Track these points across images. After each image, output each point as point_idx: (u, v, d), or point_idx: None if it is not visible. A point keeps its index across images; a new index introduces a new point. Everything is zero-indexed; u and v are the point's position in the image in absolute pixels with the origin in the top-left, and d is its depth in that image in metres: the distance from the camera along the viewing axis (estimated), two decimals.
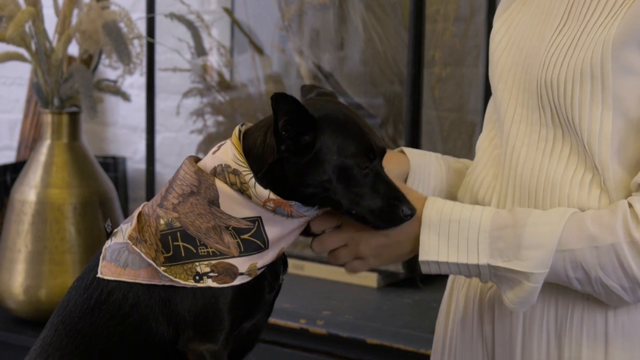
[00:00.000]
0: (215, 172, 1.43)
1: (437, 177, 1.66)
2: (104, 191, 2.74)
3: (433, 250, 1.43)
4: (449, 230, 1.42)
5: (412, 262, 1.46)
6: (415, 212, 1.43)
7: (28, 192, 2.67)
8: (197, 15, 3.23)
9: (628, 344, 1.45)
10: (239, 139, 1.45)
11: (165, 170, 3.76)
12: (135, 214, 1.47)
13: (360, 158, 1.43)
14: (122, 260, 1.45)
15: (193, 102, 3.51)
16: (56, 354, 1.47)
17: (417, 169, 1.64)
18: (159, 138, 3.63)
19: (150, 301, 1.44)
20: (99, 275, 1.45)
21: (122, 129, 4.03)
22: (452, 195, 1.67)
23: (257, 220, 1.42)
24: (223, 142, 1.47)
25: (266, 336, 2.61)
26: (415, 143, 2.77)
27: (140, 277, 1.43)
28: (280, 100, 1.38)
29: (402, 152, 1.66)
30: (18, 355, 1.65)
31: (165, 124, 3.80)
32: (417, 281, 2.85)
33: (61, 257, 2.64)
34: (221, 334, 1.43)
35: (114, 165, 3.91)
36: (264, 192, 1.41)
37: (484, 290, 1.57)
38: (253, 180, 1.41)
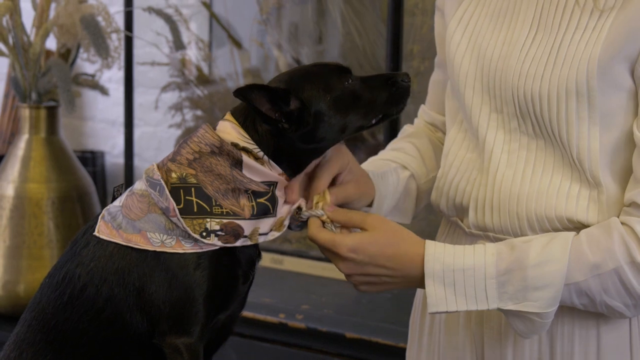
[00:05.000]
0: None
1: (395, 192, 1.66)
2: (82, 186, 2.73)
3: (441, 302, 1.42)
4: (454, 279, 1.41)
5: None
6: (407, 75, 1.53)
7: (6, 186, 2.65)
8: (175, 9, 3.22)
9: (621, 334, 1.46)
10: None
11: (143, 164, 3.75)
12: (154, 168, 1.45)
13: (340, 79, 1.48)
14: (116, 222, 1.44)
15: (171, 96, 3.50)
16: (30, 350, 1.46)
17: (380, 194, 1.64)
18: (137, 132, 3.62)
19: (125, 293, 1.43)
20: (95, 233, 1.45)
21: (100, 123, 4.02)
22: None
23: (273, 185, 1.45)
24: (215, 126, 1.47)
25: (245, 330, 2.61)
26: (394, 137, 2.76)
27: (132, 242, 1.42)
28: (247, 93, 1.40)
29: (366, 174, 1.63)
30: None
31: (144, 118, 3.79)
32: None
33: (39, 252, 2.63)
34: (197, 325, 1.43)
35: (92, 159, 3.89)
36: (278, 167, 1.45)
37: None
38: (266, 156, 1.44)
